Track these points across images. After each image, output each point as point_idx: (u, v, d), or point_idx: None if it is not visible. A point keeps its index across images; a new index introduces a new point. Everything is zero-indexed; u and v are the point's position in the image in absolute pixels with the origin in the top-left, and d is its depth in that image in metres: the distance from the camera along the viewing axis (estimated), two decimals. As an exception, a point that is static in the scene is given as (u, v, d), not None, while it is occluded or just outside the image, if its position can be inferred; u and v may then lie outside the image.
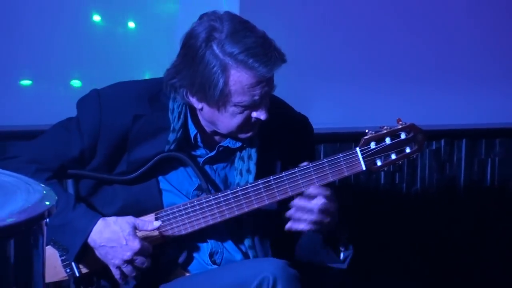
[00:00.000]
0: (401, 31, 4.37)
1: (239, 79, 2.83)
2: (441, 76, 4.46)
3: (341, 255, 3.05)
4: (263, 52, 2.83)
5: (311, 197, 2.91)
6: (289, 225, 2.92)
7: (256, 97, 2.87)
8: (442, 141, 4.44)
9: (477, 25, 4.53)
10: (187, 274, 3.02)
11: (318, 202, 2.90)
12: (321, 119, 4.08)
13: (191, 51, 2.86)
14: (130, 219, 2.94)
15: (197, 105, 2.92)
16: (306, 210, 2.90)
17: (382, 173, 4.33)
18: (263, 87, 2.86)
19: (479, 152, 4.50)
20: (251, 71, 2.82)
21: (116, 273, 2.95)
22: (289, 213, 2.91)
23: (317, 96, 4.20)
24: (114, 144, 3.02)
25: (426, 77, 4.43)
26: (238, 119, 2.91)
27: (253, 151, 3.03)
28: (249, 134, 2.97)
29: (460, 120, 4.48)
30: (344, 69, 4.29)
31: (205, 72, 2.83)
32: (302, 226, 2.91)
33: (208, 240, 3.06)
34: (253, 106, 2.89)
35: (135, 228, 2.93)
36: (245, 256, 3.07)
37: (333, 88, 4.26)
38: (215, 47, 2.82)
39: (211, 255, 3.05)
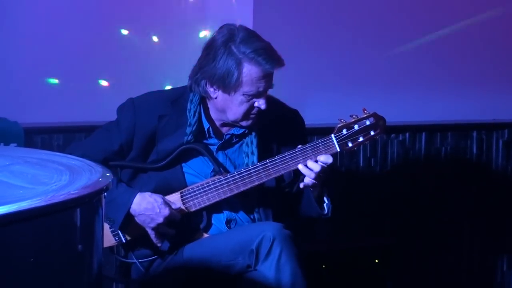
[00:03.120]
0: (374, 49, 4.36)
1: (249, 72, 2.86)
2: (406, 84, 4.43)
3: (325, 207, 3.05)
4: (268, 53, 2.88)
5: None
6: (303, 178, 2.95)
7: (261, 89, 2.89)
8: (407, 134, 4.40)
9: (435, 41, 4.51)
10: (207, 236, 3.03)
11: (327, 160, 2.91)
12: (314, 117, 4.08)
13: (213, 51, 2.90)
14: (160, 195, 2.97)
15: (213, 94, 2.94)
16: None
17: (361, 158, 4.29)
18: (266, 82, 2.89)
19: (435, 142, 4.47)
20: (258, 66, 2.86)
21: (152, 234, 2.97)
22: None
23: (310, 99, 4.18)
24: (145, 139, 3.03)
25: (394, 84, 4.39)
26: (244, 107, 2.92)
27: (253, 138, 3.03)
28: (250, 122, 2.98)
29: (421, 117, 4.45)
30: (330, 79, 4.27)
31: (224, 65, 2.87)
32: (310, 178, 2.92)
33: (224, 211, 3.05)
34: (257, 96, 2.90)
35: (164, 201, 2.95)
36: (253, 222, 3.06)
37: (322, 93, 4.24)
38: (232, 47, 2.87)
39: (227, 222, 3.04)
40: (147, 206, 2.93)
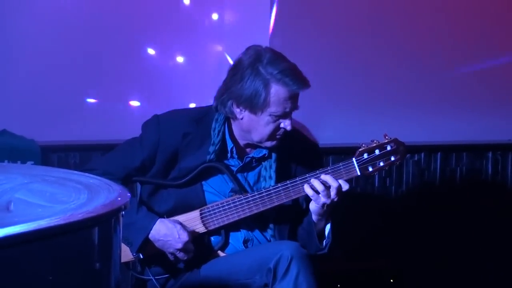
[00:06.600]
0: (389, 70, 4.36)
1: (277, 92, 2.86)
2: (421, 104, 4.42)
3: (323, 242, 3.02)
4: (294, 74, 2.88)
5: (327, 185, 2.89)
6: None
7: (287, 109, 2.90)
8: (422, 154, 4.40)
9: (450, 63, 4.51)
10: (224, 255, 3.03)
11: (333, 185, 2.88)
12: (329, 137, 4.08)
13: (240, 71, 2.90)
14: (178, 221, 2.97)
15: (240, 114, 2.94)
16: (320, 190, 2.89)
17: (376, 177, 4.30)
18: (293, 102, 2.90)
19: (450, 163, 4.47)
20: (286, 86, 2.86)
21: (171, 258, 2.98)
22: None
23: (325, 119, 4.19)
24: (168, 156, 3.03)
25: (410, 104, 4.39)
26: (270, 128, 2.92)
27: (273, 162, 3.03)
28: (274, 143, 2.97)
29: (436, 138, 4.45)
30: (345, 99, 4.27)
31: (251, 86, 2.86)
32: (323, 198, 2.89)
33: (241, 230, 3.06)
34: (283, 116, 2.91)
35: (183, 226, 2.95)
36: (269, 241, 3.06)
37: (337, 113, 4.24)
38: (260, 68, 2.87)
39: (244, 242, 3.05)
40: (166, 232, 2.93)
